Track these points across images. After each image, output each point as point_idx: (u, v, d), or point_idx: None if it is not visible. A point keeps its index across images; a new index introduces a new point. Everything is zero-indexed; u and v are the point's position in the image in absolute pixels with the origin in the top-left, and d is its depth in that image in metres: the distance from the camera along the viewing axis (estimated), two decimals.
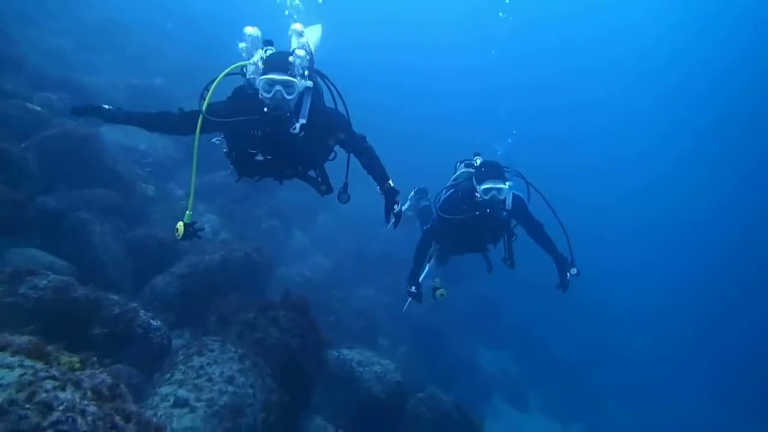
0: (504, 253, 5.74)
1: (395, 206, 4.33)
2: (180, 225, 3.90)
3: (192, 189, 3.95)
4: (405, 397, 6.23)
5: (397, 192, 4.35)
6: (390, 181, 4.35)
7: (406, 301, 6.14)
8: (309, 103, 3.98)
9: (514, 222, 5.59)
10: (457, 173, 5.97)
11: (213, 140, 4.44)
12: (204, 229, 4.12)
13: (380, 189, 4.39)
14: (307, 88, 3.98)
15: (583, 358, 15.12)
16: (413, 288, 5.48)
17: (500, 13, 22.52)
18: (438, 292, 5.69)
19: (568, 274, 5.44)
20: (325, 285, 9.41)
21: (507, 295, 14.05)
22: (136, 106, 10.03)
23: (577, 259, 5.43)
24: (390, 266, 10.94)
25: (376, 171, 4.39)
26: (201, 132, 3.87)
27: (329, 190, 4.51)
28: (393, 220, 4.39)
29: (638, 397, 14.73)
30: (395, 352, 8.87)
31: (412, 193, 7.32)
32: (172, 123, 4.07)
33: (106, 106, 3.90)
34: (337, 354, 6.03)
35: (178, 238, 3.94)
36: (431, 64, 27.28)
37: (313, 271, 9.77)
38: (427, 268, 6.19)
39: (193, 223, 3.96)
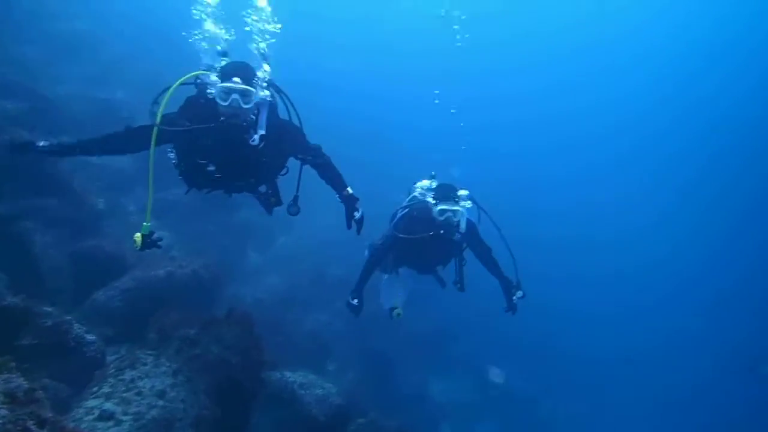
0: (455, 276, 5.83)
1: (356, 213, 4.34)
2: (138, 235, 3.78)
3: (150, 199, 3.81)
4: (346, 421, 6.23)
5: (357, 199, 4.36)
6: (349, 188, 4.36)
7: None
8: (266, 114, 3.96)
9: (464, 245, 5.72)
10: (413, 194, 6.06)
11: (168, 154, 4.39)
12: (162, 239, 3.98)
13: (339, 197, 4.40)
14: (264, 99, 3.95)
15: (536, 389, 15.16)
16: (354, 300, 5.50)
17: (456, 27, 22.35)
18: (395, 312, 5.74)
19: (514, 298, 5.61)
20: (277, 306, 9.34)
21: (461, 324, 14.15)
22: (97, 117, 9.85)
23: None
24: (346, 292, 10.93)
25: (334, 179, 4.40)
26: (156, 143, 3.75)
27: (279, 202, 4.49)
28: (355, 226, 4.39)
29: (594, 428, 14.85)
30: (343, 377, 8.84)
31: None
32: (122, 142, 3.95)
33: (41, 143, 3.77)
34: (279, 375, 6.00)
35: (137, 248, 3.80)
36: (395, 90, 26.99)
37: (266, 292, 9.70)
38: (384, 287, 6.23)
39: (152, 233, 3.83)
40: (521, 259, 5.71)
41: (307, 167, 4.46)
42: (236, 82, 3.72)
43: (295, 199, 4.39)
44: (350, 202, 4.34)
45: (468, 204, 5.37)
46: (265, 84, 3.96)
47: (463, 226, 5.32)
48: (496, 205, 5.99)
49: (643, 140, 30.04)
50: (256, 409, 5.14)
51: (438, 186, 5.51)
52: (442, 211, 5.21)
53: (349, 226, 4.39)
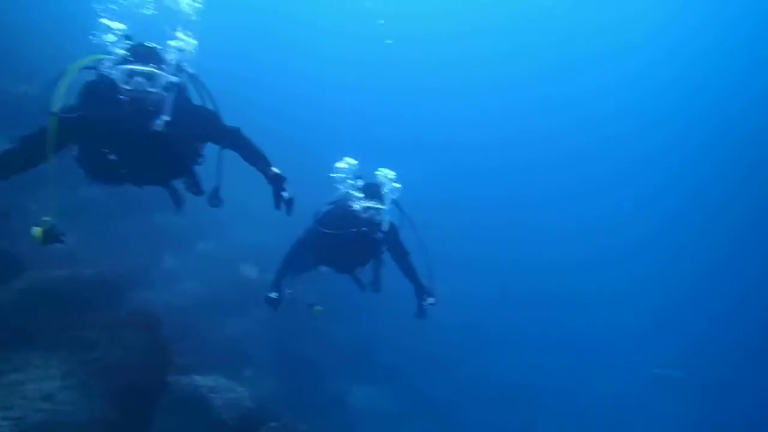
0: (371, 277, 5.89)
1: (283, 192, 4.14)
2: (37, 229, 3.50)
3: (51, 189, 3.50)
4: (257, 425, 6.16)
5: (284, 178, 4.16)
6: (274, 168, 4.17)
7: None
8: (173, 98, 3.71)
9: (384, 247, 5.77)
10: (339, 192, 5.97)
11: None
12: (66, 234, 3.70)
13: (265, 177, 4.18)
14: (172, 83, 3.70)
15: (461, 399, 15.15)
16: (273, 294, 5.45)
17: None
18: (315, 308, 5.73)
19: (424, 303, 5.79)
20: (193, 310, 9.06)
21: (387, 331, 14.18)
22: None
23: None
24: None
25: (258, 160, 4.19)
26: (56, 135, 3.44)
27: (199, 192, 4.24)
28: (284, 207, 4.20)
29: None
30: (260, 382, 8.67)
31: None
32: (21, 154, 3.61)
33: None
34: (189, 380, 5.85)
35: (38, 244, 3.54)
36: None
37: (181, 296, 9.38)
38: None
39: (53, 227, 3.56)
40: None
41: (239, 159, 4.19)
42: (141, 64, 3.53)
43: (216, 189, 4.21)
44: (277, 181, 4.14)
45: (396, 186, 5.49)
46: (174, 66, 3.76)
47: (385, 225, 5.46)
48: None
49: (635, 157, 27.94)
50: (159, 412, 4.99)
51: (365, 185, 5.59)
52: (367, 208, 5.33)
53: (277, 206, 4.17)
